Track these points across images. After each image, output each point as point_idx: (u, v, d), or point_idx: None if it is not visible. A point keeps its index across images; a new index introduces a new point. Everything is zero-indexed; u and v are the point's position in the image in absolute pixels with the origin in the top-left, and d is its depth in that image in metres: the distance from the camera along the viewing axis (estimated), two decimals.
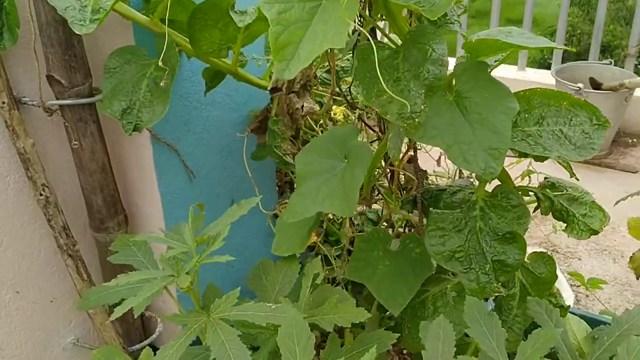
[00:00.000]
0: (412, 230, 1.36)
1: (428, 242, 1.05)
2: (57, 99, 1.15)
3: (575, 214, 1.03)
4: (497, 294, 0.96)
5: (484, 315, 0.91)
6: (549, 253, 1.09)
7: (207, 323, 1.03)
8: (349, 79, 1.23)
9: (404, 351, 1.80)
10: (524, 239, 0.98)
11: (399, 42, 0.88)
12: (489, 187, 1.06)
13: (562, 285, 1.63)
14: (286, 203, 1.67)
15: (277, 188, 1.91)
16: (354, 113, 1.06)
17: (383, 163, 1.21)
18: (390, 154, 0.93)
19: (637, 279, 1.50)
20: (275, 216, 1.65)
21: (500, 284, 0.97)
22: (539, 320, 0.96)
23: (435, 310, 1.18)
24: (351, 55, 1.19)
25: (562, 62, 3.72)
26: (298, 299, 1.13)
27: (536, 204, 1.08)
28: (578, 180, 1.04)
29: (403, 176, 1.23)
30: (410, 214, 1.21)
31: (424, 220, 1.20)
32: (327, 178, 1.08)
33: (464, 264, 1.01)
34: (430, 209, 1.10)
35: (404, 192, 1.22)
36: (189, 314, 1.05)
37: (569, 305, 1.17)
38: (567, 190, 1.06)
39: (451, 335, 0.89)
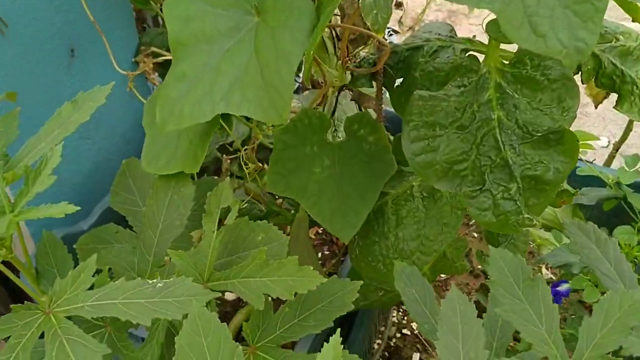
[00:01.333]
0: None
1: (408, 149, 0.63)
2: None
3: (634, 79, 0.64)
4: (527, 228, 0.59)
5: (524, 279, 0.55)
6: None
7: (46, 327, 0.59)
8: None
9: (335, 239, 1.47)
10: (574, 137, 0.59)
11: None
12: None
13: None
14: (153, 53, 1.15)
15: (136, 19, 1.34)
16: None
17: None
18: (368, 19, 0.46)
19: (596, 107, 1.21)
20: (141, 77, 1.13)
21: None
22: (587, 258, 0.62)
23: (400, 222, 0.81)
24: None
25: None
26: (198, 244, 0.70)
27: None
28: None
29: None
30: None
31: (385, 96, 0.77)
32: (230, 48, 0.59)
33: (470, 182, 0.61)
34: (404, 86, 0.66)
35: (350, 54, 0.76)
36: (12, 316, 0.60)
37: (576, 191, 0.85)
38: (617, 40, 0.65)
39: (477, 325, 0.53)
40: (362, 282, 0.72)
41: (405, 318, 1.41)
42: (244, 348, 0.69)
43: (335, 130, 0.86)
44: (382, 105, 0.80)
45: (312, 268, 0.64)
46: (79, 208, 0.60)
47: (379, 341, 1.35)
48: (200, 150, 0.69)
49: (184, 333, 0.54)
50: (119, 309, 0.58)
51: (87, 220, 1.18)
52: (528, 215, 0.59)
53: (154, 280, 0.61)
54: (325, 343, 0.50)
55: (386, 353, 1.33)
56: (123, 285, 0.60)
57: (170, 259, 0.70)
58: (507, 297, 0.54)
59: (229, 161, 0.99)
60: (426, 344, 1.35)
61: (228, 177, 0.94)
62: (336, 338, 0.52)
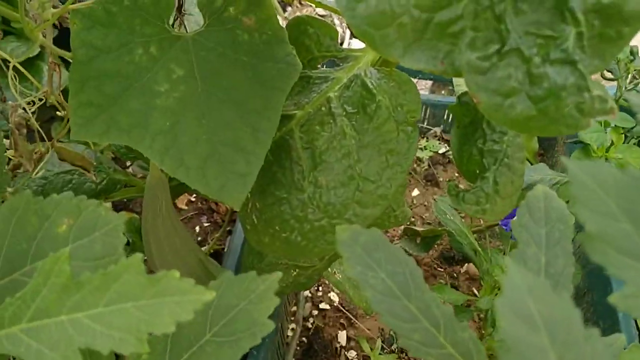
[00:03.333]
0: None
1: None
2: None
3: None
4: (599, 117, 0.30)
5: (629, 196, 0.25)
6: None
7: None
8: None
9: (216, 204, 1.13)
10: None
11: None
12: None
13: None
14: None
15: None
16: None
17: None
18: None
19: None
20: None
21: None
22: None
23: (318, 160, 0.49)
24: None
25: None
26: None
27: None
28: None
29: None
30: None
31: None
32: None
33: (473, 41, 0.30)
34: None
35: None
36: None
37: None
38: None
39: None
40: (279, 274, 0.39)
41: (320, 288, 1.11)
42: None
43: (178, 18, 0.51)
44: None
45: (177, 274, 0.30)
46: None
47: (292, 325, 1.04)
48: None
49: None
50: None
51: None
52: (599, 92, 0.29)
53: None
54: None
55: (304, 339, 1.03)
56: None
57: None
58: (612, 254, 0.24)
59: (21, 109, 0.60)
60: (352, 317, 1.06)
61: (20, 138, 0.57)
62: None
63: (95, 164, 0.67)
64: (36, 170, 0.63)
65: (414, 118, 0.49)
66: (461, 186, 0.50)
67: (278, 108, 0.45)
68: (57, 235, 0.36)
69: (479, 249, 0.86)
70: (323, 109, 0.50)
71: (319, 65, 0.53)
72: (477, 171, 0.48)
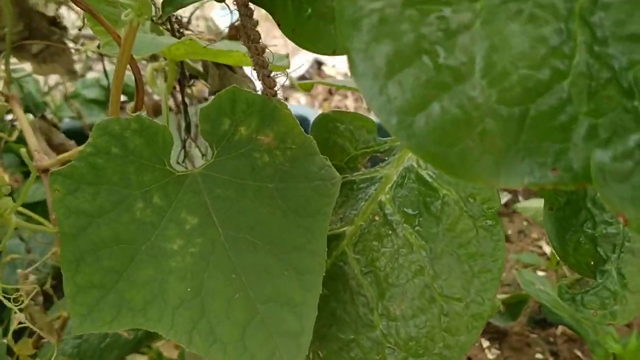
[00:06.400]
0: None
1: (374, 88, 0.21)
2: None
3: None
4: None
5: None
6: None
7: None
8: None
9: None
10: None
11: None
12: None
13: None
14: None
15: None
16: None
17: None
18: None
19: None
20: None
21: None
22: None
23: (385, 285, 0.39)
24: None
25: None
26: None
27: None
28: None
29: None
30: None
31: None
32: None
33: (587, 127, 0.20)
34: None
35: None
36: None
37: None
38: None
39: None
40: None
41: None
42: None
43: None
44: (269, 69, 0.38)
45: None
46: None
47: None
48: None
49: None
50: None
51: None
52: None
53: None
54: None
55: None
56: None
57: None
58: None
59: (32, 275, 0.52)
60: None
61: None
62: None
63: None
64: (59, 339, 0.54)
65: (492, 209, 0.39)
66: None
67: (322, 238, 0.35)
68: None
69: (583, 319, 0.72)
70: (377, 218, 0.40)
71: (360, 165, 0.43)
72: (592, 263, 0.37)
